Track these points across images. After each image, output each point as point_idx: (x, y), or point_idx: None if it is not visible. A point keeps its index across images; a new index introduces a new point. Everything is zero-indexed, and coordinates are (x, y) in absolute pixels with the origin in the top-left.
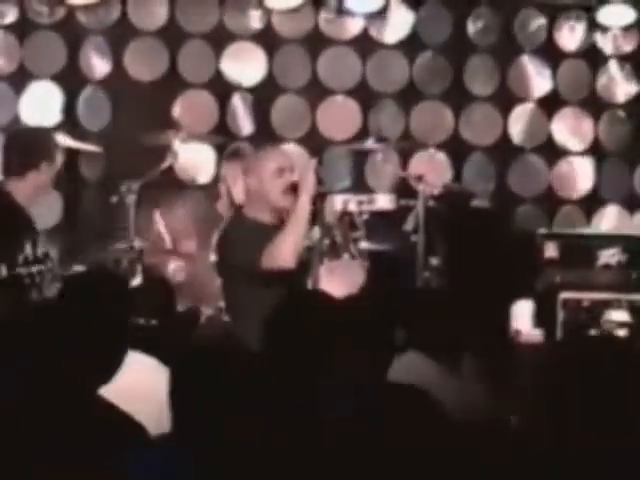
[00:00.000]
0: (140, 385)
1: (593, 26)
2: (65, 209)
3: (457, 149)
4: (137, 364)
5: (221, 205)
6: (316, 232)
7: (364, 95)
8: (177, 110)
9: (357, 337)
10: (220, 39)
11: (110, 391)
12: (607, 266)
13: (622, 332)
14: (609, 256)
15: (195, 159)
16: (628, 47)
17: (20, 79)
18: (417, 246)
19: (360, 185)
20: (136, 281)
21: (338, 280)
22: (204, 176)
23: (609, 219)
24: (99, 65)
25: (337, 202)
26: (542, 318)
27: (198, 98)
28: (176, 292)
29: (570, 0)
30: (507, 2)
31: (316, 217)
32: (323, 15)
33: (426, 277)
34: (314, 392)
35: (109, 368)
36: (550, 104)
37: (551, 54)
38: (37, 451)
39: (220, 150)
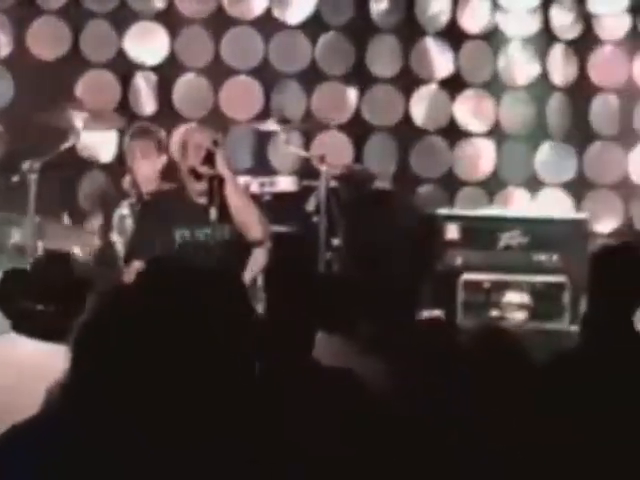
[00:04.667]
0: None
1: (496, 8)
2: None
3: (359, 130)
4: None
5: (125, 182)
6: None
7: (267, 75)
8: (79, 89)
9: None
10: (123, 19)
11: None
12: (508, 248)
13: (522, 314)
14: (510, 238)
15: (97, 138)
16: (530, 29)
17: None
18: (319, 227)
19: (263, 166)
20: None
21: None
22: (106, 155)
23: (510, 201)
24: (1, 44)
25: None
26: (443, 299)
27: (100, 77)
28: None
29: None
30: None
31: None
32: None
33: (328, 258)
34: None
35: None
36: (452, 85)
37: (454, 36)
38: None
39: (122, 129)
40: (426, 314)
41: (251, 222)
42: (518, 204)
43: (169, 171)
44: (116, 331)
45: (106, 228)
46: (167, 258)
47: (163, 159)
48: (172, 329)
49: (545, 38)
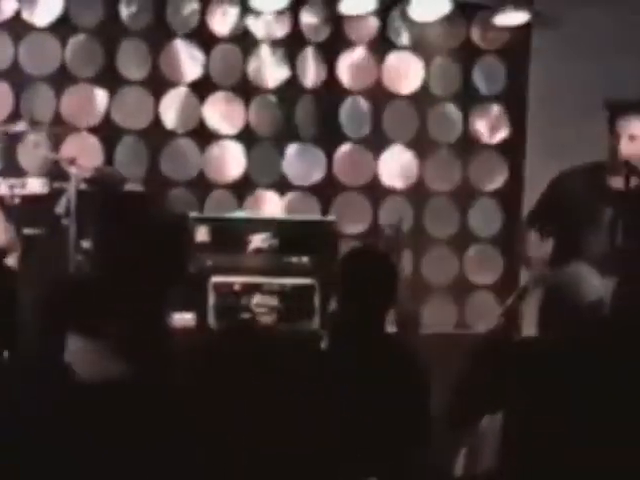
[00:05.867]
0: None
1: (246, 11)
2: None
3: (110, 132)
4: None
5: None
6: None
7: (16, 77)
8: None
9: None
10: None
11: None
12: (258, 250)
13: (272, 316)
14: (260, 240)
15: None
16: (280, 32)
17: None
18: (69, 229)
19: (12, 168)
20: None
21: None
22: None
23: (260, 203)
24: None
25: None
26: (194, 302)
27: None
28: None
29: None
30: None
31: None
32: None
33: (79, 260)
34: None
35: None
36: (202, 88)
37: (204, 38)
38: None
39: None
40: (178, 317)
41: None
42: (268, 207)
43: None
44: None
45: None
46: None
47: None
48: None
49: (295, 41)
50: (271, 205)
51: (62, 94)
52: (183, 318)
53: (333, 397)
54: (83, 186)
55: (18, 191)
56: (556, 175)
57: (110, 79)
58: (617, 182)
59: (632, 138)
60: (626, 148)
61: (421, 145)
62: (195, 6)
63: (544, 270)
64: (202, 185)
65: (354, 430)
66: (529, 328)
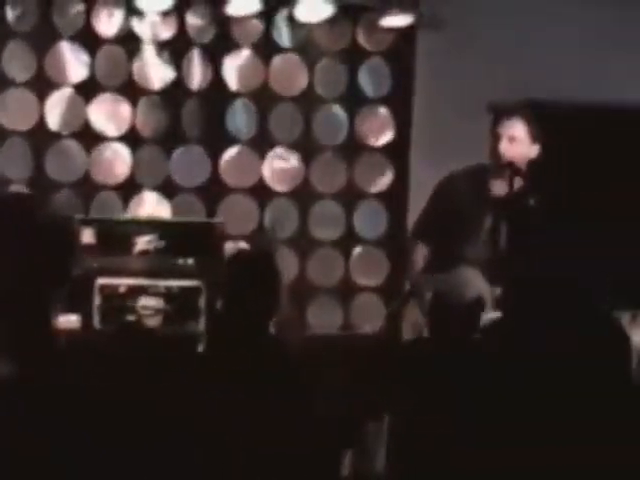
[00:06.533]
0: None
1: (131, 12)
2: None
3: None
4: None
5: None
6: None
7: None
8: None
9: None
10: None
11: None
12: (144, 252)
13: (157, 318)
14: (146, 242)
15: None
16: (165, 33)
17: None
18: None
19: None
20: None
21: None
22: None
23: (146, 205)
24: None
25: None
26: (79, 304)
27: None
28: None
29: None
30: None
31: None
32: None
33: None
34: None
35: None
36: (88, 90)
37: (89, 40)
38: None
39: None
40: (63, 318)
41: None
42: (154, 208)
43: None
44: None
45: None
46: None
47: None
48: None
49: (180, 42)
50: (157, 207)
51: None
52: (68, 320)
53: (217, 399)
54: None
55: None
56: (440, 181)
57: None
58: (499, 186)
59: (512, 139)
60: (506, 149)
61: (306, 147)
62: (80, 8)
63: (428, 274)
64: (88, 187)
65: (238, 433)
66: (409, 331)
